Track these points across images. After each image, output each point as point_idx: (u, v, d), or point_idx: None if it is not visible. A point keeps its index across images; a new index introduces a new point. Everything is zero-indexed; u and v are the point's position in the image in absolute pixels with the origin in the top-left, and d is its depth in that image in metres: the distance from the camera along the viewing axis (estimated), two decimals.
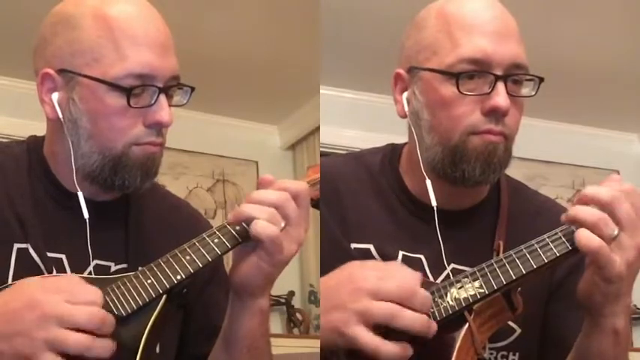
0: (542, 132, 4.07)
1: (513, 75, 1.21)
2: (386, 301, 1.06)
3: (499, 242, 1.24)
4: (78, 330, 0.99)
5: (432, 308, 1.12)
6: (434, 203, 1.25)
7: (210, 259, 1.11)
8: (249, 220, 1.10)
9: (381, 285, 1.07)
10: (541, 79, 1.23)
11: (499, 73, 1.19)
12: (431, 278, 1.25)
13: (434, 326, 1.09)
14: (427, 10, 1.29)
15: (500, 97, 1.19)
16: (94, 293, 1.03)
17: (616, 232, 1.06)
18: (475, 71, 1.20)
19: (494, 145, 1.21)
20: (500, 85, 1.19)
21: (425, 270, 1.26)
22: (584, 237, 1.06)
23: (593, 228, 1.07)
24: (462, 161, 1.21)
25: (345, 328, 1.06)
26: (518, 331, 1.27)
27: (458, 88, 1.19)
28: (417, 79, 1.26)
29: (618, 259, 1.06)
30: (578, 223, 1.08)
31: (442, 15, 1.25)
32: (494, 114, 1.20)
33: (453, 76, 1.20)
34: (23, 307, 0.99)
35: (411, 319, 1.07)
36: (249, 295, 1.15)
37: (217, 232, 1.12)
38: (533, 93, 1.24)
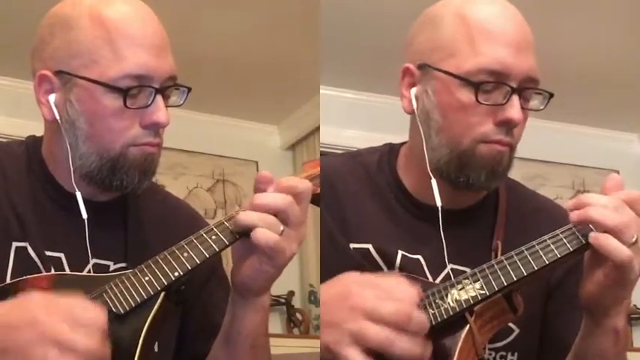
0: (542, 132, 4.06)
1: (527, 89, 1.21)
2: (381, 324, 1.04)
3: (497, 242, 1.24)
4: (75, 356, 0.97)
5: (433, 310, 1.11)
6: (439, 203, 1.24)
7: (207, 256, 1.11)
8: (249, 229, 1.09)
9: (379, 307, 1.05)
10: (551, 95, 1.24)
11: (514, 85, 1.19)
12: (430, 279, 1.24)
13: (427, 356, 1.07)
14: (442, 8, 1.27)
15: (515, 110, 1.19)
16: (97, 316, 1.00)
17: (635, 238, 1.06)
18: (494, 82, 1.19)
19: (501, 154, 1.22)
20: (515, 98, 1.19)
21: (424, 270, 1.25)
22: (614, 246, 1.05)
23: (614, 232, 1.06)
24: (468, 167, 1.21)
25: (337, 348, 1.04)
26: (517, 331, 1.26)
27: (477, 97, 1.19)
28: (430, 77, 1.24)
29: (637, 266, 1.06)
30: (598, 226, 1.07)
31: (462, 16, 1.23)
32: (507, 125, 1.20)
33: (474, 85, 1.19)
34: (23, 323, 0.98)
35: (403, 350, 1.04)
36: (252, 295, 1.15)
37: (215, 229, 1.12)
38: (542, 107, 1.25)
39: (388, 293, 1.07)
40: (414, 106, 1.27)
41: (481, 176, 1.21)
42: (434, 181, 1.24)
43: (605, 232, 1.06)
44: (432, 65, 1.24)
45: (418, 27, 1.29)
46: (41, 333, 0.97)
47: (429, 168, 1.24)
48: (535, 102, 1.25)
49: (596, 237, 1.07)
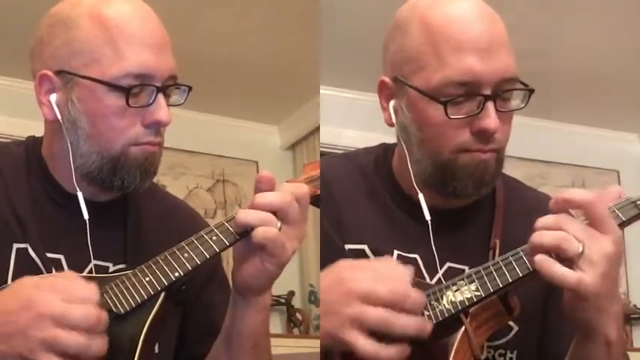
0: (542, 132, 4.07)
1: (503, 92, 1.18)
2: (378, 305, 1.05)
3: (495, 241, 1.24)
4: (74, 328, 0.99)
5: (428, 311, 1.11)
6: (428, 217, 1.22)
7: (208, 256, 1.11)
8: (250, 228, 1.10)
9: (373, 288, 1.05)
10: (531, 91, 1.20)
11: (488, 92, 1.16)
12: (427, 278, 1.24)
13: (428, 326, 1.07)
14: (409, 12, 1.23)
15: (490, 119, 1.16)
16: (90, 290, 1.02)
17: (581, 248, 1.04)
18: (463, 95, 1.16)
19: (486, 162, 1.19)
20: (490, 105, 1.16)
21: (421, 270, 1.25)
22: (560, 274, 1.03)
23: (556, 251, 1.05)
24: (453, 178, 1.20)
25: (339, 333, 1.04)
26: (516, 329, 1.26)
27: (446, 113, 1.16)
28: (403, 93, 1.22)
29: (590, 278, 1.03)
30: (541, 250, 1.06)
31: (426, 24, 1.19)
32: (484, 135, 1.17)
33: (441, 102, 1.16)
34: (19, 307, 0.99)
35: (403, 326, 1.05)
36: (253, 294, 1.15)
37: (215, 230, 1.12)
38: (523, 105, 1.21)
39: (381, 274, 1.07)
40: (394, 119, 1.25)
41: (468, 187, 1.20)
42: (421, 196, 1.23)
43: (547, 252, 1.05)
44: (403, 80, 1.21)
45: (389, 35, 1.26)
46: (37, 313, 0.98)
47: (414, 182, 1.23)
48: (516, 101, 1.21)
49: (539, 263, 1.05)
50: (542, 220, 1.08)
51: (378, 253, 1.26)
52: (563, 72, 3.55)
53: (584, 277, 1.03)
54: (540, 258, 1.05)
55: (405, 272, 1.09)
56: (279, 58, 3.62)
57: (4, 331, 0.99)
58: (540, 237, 1.06)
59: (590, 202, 1.06)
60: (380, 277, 1.07)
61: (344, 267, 1.10)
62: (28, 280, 1.04)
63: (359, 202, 1.31)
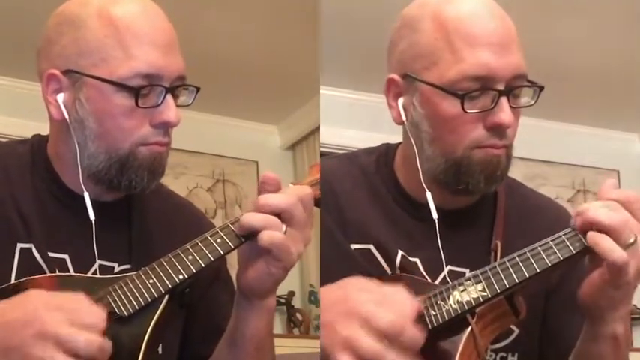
0: (542, 132, 4.07)
1: (515, 87, 1.19)
2: (374, 332, 1.03)
3: (496, 242, 1.23)
4: (75, 355, 0.97)
5: (435, 311, 1.11)
6: (435, 216, 1.23)
7: (212, 259, 1.11)
8: (254, 231, 1.09)
9: (374, 314, 1.04)
10: (541, 88, 1.22)
11: (501, 87, 1.17)
12: (428, 280, 1.24)
13: None
14: (419, 10, 1.24)
15: (504, 114, 1.17)
16: (98, 316, 1.01)
17: (632, 240, 1.05)
18: (479, 89, 1.17)
19: (498, 158, 1.20)
20: (504, 101, 1.17)
21: (421, 273, 1.24)
22: (607, 247, 1.05)
23: (613, 233, 1.05)
24: (466, 175, 1.20)
25: (333, 352, 1.04)
26: (517, 331, 1.26)
27: (463, 107, 1.17)
28: (415, 89, 1.22)
29: (631, 267, 1.06)
30: (598, 227, 1.07)
31: (439, 20, 1.20)
32: (498, 129, 1.18)
33: (458, 96, 1.17)
34: (23, 321, 0.98)
35: None
36: (257, 297, 1.15)
37: (220, 232, 1.12)
38: (532, 102, 1.22)
39: (386, 300, 1.06)
40: (404, 117, 1.25)
41: (480, 182, 1.20)
42: (429, 194, 1.23)
43: (602, 231, 1.06)
44: (414, 76, 1.21)
45: (397, 33, 1.26)
46: (40, 330, 0.97)
47: (422, 180, 1.23)
48: (525, 98, 1.23)
49: (592, 235, 1.07)
50: (609, 193, 1.09)
51: (384, 252, 1.26)
52: (563, 72, 3.55)
53: (629, 261, 1.05)
54: (593, 233, 1.06)
55: (410, 304, 1.07)
56: (279, 58, 3.62)
57: (4, 343, 0.97)
58: (600, 215, 1.07)
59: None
60: (384, 303, 1.05)
61: (353, 284, 1.09)
62: (38, 294, 1.03)
63: (362, 202, 1.30)
